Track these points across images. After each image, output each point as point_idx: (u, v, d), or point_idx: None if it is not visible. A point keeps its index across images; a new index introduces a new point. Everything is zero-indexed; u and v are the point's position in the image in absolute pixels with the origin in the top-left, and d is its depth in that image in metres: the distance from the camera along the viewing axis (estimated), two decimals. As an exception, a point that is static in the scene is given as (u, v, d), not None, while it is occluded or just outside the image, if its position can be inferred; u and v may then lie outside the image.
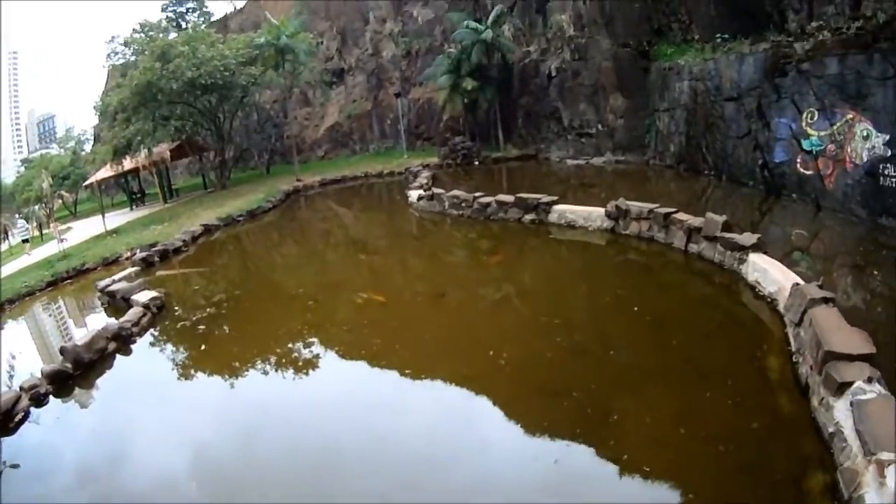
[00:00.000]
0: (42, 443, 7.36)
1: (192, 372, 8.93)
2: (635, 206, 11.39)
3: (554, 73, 25.21)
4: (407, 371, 7.19)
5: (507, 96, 28.27)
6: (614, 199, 11.97)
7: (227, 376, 8.31)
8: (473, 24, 27.32)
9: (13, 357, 10.81)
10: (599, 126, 23.53)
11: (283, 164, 38.89)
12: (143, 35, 34.04)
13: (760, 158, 13.76)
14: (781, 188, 13.13)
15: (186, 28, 41.12)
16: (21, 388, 8.19)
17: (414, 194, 18.12)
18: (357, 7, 37.24)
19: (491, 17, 27.16)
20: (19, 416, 7.74)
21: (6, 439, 7.31)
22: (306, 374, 7.99)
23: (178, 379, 8.69)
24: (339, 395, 7.13)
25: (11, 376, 9.76)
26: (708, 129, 16.34)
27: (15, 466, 6.78)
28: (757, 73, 13.59)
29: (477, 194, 14.94)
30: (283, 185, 28.13)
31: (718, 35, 16.57)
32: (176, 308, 11.35)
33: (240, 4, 47.49)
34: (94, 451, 6.98)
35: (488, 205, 14.33)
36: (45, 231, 30.74)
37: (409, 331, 8.52)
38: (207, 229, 19.79)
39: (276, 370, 8.16)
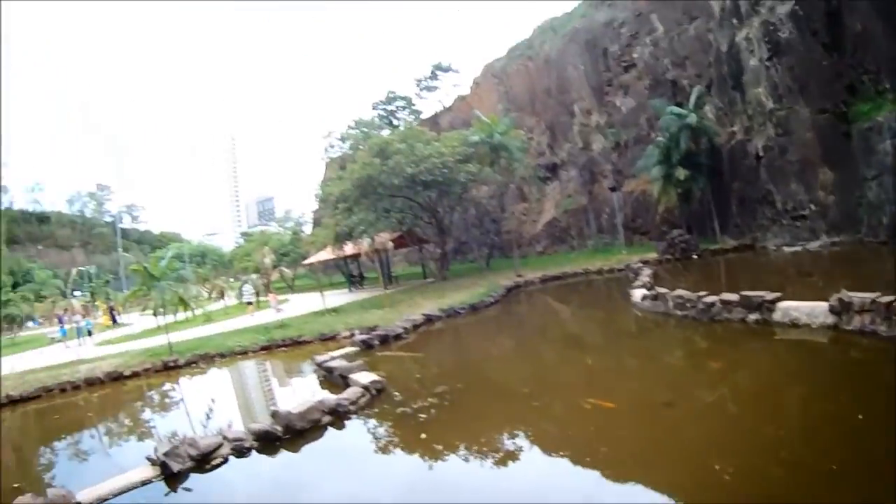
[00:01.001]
0: (228, 483, 8.58)
1: (405, 456, 9.33)
2: (857, 297, 11.38)
3: (761, 153, 26.27)
4: (623, 478, 7.77)
5: (720, 182, 29.64)
6: (833, 287, 12.20)
7: (443, 465, 8.77)
8: (676, 110, 29.79)
9: (213, 401, 12.65)
10: (812, 206, 23.82)
11: (501, 259, 43.10)
12: (358, 131, 41.62)
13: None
14: None
15: (398, 125, 48.32)
16: (224, 437, 9.23)
17: (637, 294, 19.15)
18: (561, 101, 41.96)
19: (692, 100, 29.53)
20: (217, 461, 8.87)
21: (198, 475, 8.63)
22: (519, 469, 8.40)
23: (388, 459, 9.29)
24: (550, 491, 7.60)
25: (209, 418, 11.48)
26: (916, 194, 16.21)
27: (187, 490, 8.18)
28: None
29: (701, 293, 15.49)
30: (503, 280, 30.02)
31: (906, 78, 16.92)
32: (395, 393, 12.00)
33: (448, 103, 55.52)
34: (272, 498, 8.17)
35: (712, 304, 14.79)
36: (261, 299, 36.91)
37: (633, 438, 8.93)
38: (429, 319, 21.08)
39: (495, 464, 8.65)
